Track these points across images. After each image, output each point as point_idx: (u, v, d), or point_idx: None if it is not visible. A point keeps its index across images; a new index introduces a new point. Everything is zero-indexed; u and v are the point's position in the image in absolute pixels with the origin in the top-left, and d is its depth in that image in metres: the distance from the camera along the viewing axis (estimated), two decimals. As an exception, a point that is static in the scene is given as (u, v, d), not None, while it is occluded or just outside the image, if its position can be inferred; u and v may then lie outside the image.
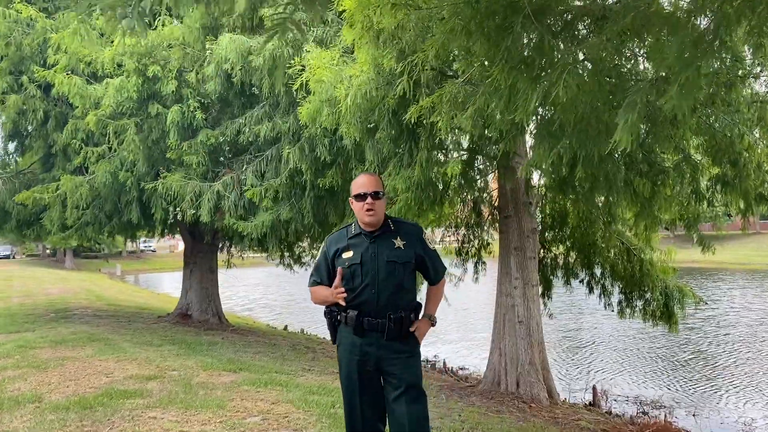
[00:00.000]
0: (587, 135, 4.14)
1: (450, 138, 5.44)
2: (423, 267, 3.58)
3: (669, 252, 9.51)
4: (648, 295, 9.73)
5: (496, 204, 9.11)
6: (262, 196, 8.20)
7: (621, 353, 15.51)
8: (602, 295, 10.60)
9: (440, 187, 6.55)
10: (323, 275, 3.61)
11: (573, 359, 14.98)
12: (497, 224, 10.29)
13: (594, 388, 10.11)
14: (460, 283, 10.85)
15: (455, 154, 7.81)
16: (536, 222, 8.73)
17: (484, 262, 10.91)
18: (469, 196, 9.00)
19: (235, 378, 7.22)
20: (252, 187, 8.54)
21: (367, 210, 3.45)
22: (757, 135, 5.68)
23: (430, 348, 15.00)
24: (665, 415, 9.61)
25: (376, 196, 3.47)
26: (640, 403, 11.05)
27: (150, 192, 9.44)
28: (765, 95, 5.51)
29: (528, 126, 4.38)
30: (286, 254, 14.64)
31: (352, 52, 6.34)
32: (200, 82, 8.91)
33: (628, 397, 11.58)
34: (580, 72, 3.38)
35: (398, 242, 3.48)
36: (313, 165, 8.02)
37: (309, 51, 6.76)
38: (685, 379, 13.09)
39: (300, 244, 14.07)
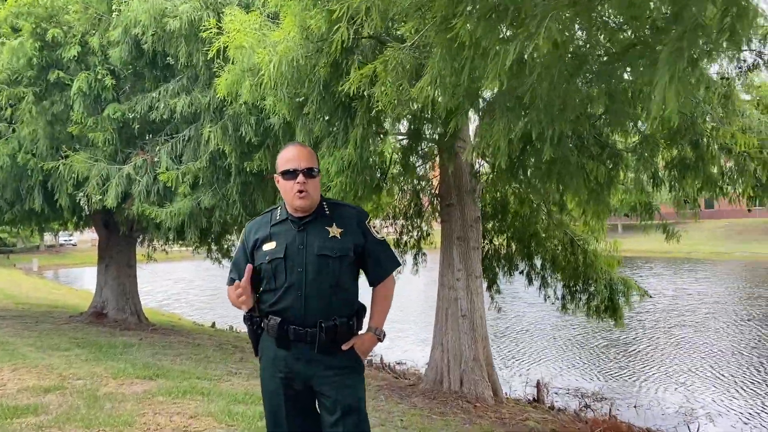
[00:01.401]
0: (554, 110, 3.56)
1: (392, 113, 4.76)
2: (363, 261, 2.84)
3: (615, 243, 9.19)
4: (592, 288, 9.37)
5: (438, 192, 8.54)
6: (180, 180, 7.31)
7: (560, 345, 15.37)
8: (542, 287, 10.24)
9: (378, 172, 5.86)
10: (242, 272, 2.83)
11: (510, 352, 14.70)
12: (437, 214, 9.76)
13: (538, 383, 9.73)
14: (398, 275, 10.25)
15: (391, 139, 7.19)
16: (479, 210, 8.21)
17: (424, 254, 10.38)
18: (408, 185, 8.37)
19: (150, 387, 6.38)
20: (167, 170, 7.64)
21: (298, 192, 2.71)
22: (721, 114, 5.26)
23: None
24: (609, 409, 9.31)
25: (309, 173, 2.74)
26: (581, 396, 10.78)
27: (54, 176, 8.38)
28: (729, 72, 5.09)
29: (493, 91, 3.74)
30: (214, 247, 13.71)
31: (278, 17, 5.59)
32: (104, 48, 7.89)
33: (568, 389, 11.32)
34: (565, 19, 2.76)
35: (333, 230, 2.75)
36: (238, 147, 7.20)
37: (228, 14, 5.95)
38: (623, 369, 12.99)
39: (229, 237, 13.19)
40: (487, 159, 5.96)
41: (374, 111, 4.75)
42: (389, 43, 5.38)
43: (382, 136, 5.99)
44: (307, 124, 5.94)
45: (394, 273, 2.97)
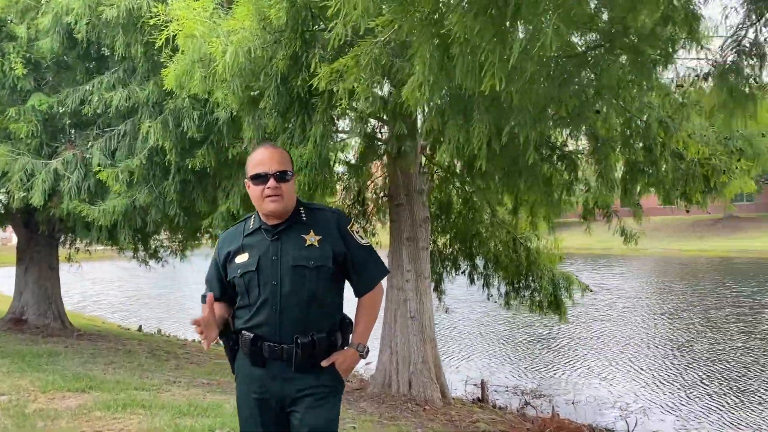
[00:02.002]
0: (537, 112, 3.46)
1: (357, 112, 4.55)
2: (347, 270, 2.59)
3: (556, 241, 9.32)
4: (535, 285, 9.49)
5: (387, 192, 8.39)
6: (117, 178, 6.82)
7: (487, 341, 15.53)
8: (485, 286, 10.29)
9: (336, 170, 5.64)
10: (215, 289, 2.60)
11: (449, 350, 14.75)
12: (380, 213, 9.62)
13: (482, 383, 9.76)
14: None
15: (344, 136, 6.97)
16: (428, 211, 8.12)
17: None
18: (360, 184, 8.17)
19: (84, 400, 5.91)
20: (100, 166, 7.12)
21: (269, 196, 2.47)
22: (677, 121, 5.35)
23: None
24: (552, 407, 9.43)
25: (282, 177, 2.49)
26: (521, 393, 10.89)
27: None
28: (685, 79, 5.16)
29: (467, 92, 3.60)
30: (140, 248, 13.01)
31: (230, 4, 5.27)
32: (31, 38, 7.27)
33: (507, 387, 11.40)
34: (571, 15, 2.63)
35: (310, 237, 2.51)
36: (179, 143, 6.79)
37: (175, 1, 5.57)
38: (550, 365, 13.22)
39: (157, 237, 12.55)
40: (462, 160, 5.81)
41: (338, 108, 4.52)
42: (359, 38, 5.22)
43: (344, 134, 5.77)
44: (257, 119, 5.65)
45: (382, 281, 2.77)
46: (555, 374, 12.37)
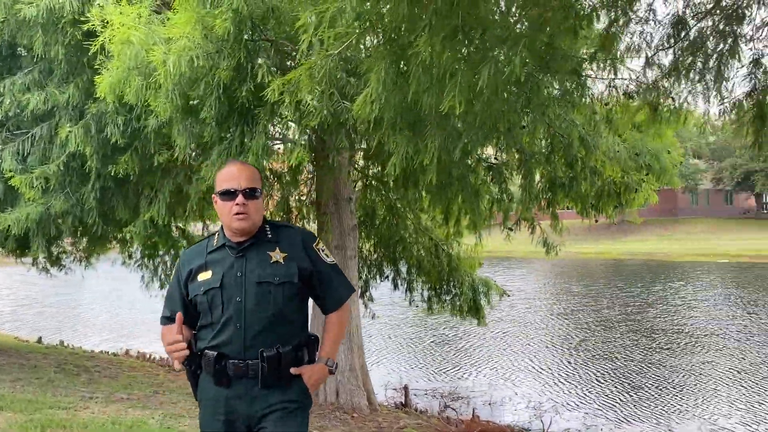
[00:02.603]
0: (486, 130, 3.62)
1: (305, 122, 4.53)
2: (313, 288, 2.58)
3: (476, 247, 9.63)
4: (456, 290, 9.77)
5: (312, 199, 8.39)
6: (32, 184, 6.43)
7: (407, 345, 15.78)
8: (408, 291, 10.49)
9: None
10: (177, 308, 2.54)
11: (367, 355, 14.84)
12: (305, 221, 9.60)
13: (405, 388, 9.93)
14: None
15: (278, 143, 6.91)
16: (356, 219, 8.19)
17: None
18: (294, 192, 8.13)
19: (-5, 423, 5.54)
20: (11, 172, 6.69)
21: (237, 213, 2.45)
22: (599, 138, 5.71)
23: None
24: (473, 409, 9.73)
25: (251, 194, 2.48)
26: (440, 396, 11.16)
27: None
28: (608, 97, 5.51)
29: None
30: (41, 255, 12.20)
31: (167, 9, 5.13)
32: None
33: (426, 390, 11.64)
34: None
35: (276, 254, 2.49)
36: (101, 149, 6.49)
37: (102, 6, 5.34)
38: (458, 366, 13.59)
39: (59, 242, 11.83)
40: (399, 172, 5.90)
41: (284, 119, 4.51)
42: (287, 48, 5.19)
43: (282, 145, 5.72)
44: (189, 127, 5.51)
45: (348, 299, 2.81)
46: (464, 376, 12.73)
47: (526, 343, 15.43)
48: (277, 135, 6.34)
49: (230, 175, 2.51)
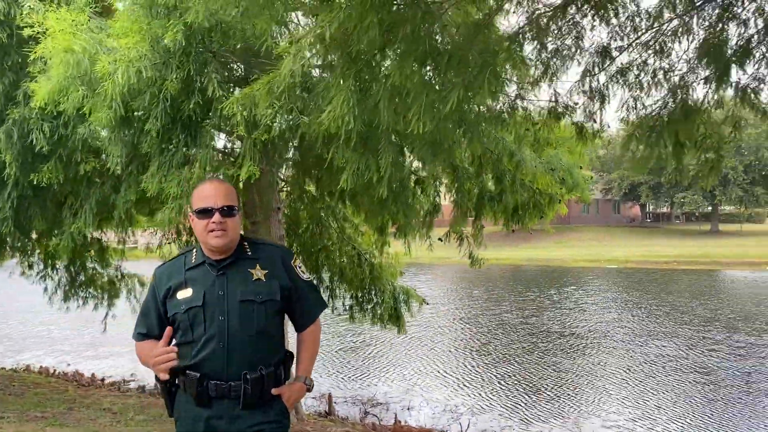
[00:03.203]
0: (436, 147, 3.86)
1: (255, 135, 4.56)
2: (290, 304, 2.61)
3: (396, 256, 9.89)
4: (377, 298, 9.96)
5: (240, 209, 8.32)
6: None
7: (326, 354, 15.82)
8: (330, 298, 10.58)
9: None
10: (153, 325, 2.58)
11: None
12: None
13: (329, 396, 10.00)
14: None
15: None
16: (284, 228, 8.21)
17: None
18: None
19: None
20: None
21: (212, 231, 2.49)
22: (527, 153, 6.09)
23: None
24: (395, 414, 9.96)
25: (228, 212, 2.52)
26: (361, 402, 11.32)
27: None
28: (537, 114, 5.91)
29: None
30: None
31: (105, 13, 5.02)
32: None
33: (345, 398, 11.75)
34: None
35: (257, 272, 2.54)
36: (21, 156, 6.19)
37: (33, 8, 5.14)
38: (368, 372, 13.81)
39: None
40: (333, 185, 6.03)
41: (235, 134, 4.54)
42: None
43: (224, 158, 5.70)
44: (124, 137, 5.40)
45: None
46: (374, 382, 12.92)
47: (431, 348, 15.89)
48: (221, 148, 6.31)
49: (206, 193, 2.54)
